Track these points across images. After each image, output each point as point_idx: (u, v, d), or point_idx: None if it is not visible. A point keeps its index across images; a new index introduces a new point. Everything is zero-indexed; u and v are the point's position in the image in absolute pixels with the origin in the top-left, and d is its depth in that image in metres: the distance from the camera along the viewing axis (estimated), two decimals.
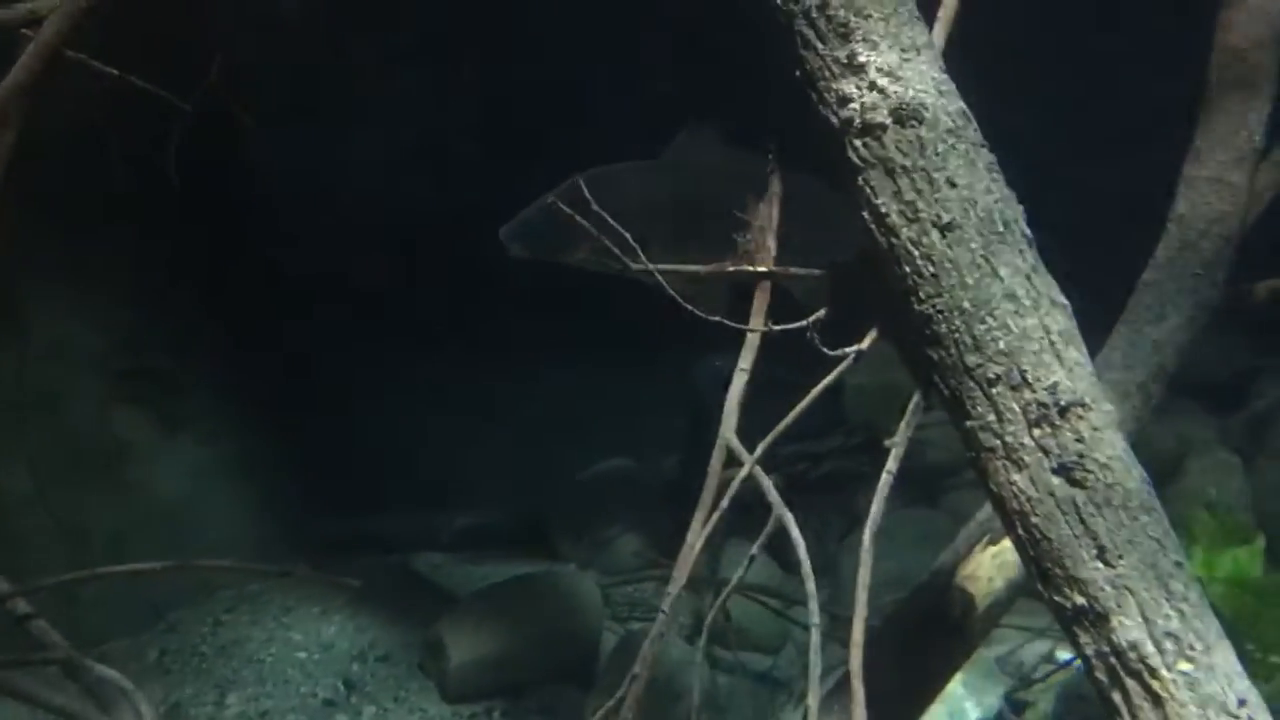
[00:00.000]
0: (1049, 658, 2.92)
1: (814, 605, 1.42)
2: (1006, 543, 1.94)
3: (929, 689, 1.96)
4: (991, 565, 1.93)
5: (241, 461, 4.11)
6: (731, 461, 1.62)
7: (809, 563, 1.48)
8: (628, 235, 1.56)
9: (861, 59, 1.49)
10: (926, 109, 1.48)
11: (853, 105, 1.49)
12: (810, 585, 1.45)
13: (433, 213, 4.21)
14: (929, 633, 1.93)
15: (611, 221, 1.61)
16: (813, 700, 1.38)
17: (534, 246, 2.81)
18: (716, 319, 1.51)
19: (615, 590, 4.00)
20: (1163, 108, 2.21)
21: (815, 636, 1.40)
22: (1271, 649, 2.33)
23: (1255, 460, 3.37)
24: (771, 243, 1.66)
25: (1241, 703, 1.28)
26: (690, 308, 1.54)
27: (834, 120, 1.51)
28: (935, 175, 1.47)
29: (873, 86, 1.49)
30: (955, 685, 2.65)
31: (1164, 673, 1.29)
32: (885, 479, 1.50)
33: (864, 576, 1.43)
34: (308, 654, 3.70)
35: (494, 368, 4.33)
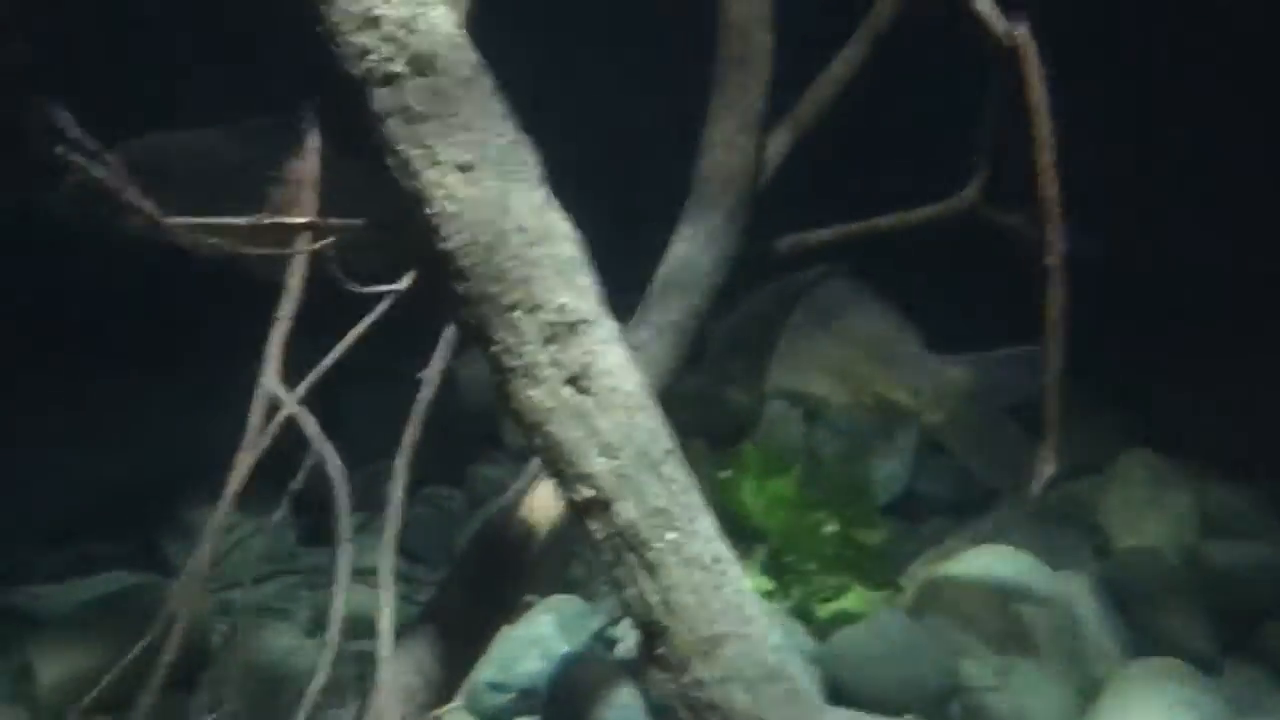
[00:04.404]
0: None
1: (346, 530, 1.50)
2: None
3: (499, 617, 2.10)
4: (552, 494, 2.08)
5: None
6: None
7: (346, 498, 1.56)
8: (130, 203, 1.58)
9: (377, 13, 1.59)
10: (440, 59, 1.61)
11: (371, 57, 1.60)
12: (345, 521, 1.53)
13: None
14: (496, 564, 2.06)
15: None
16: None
17: (84, 211, 2.69)
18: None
19: (241, 596, 3.87)
20: None
21: (344, 558, 1.49)
22: (804, 557, 2.67)
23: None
24: (311, 195, 1.73)
25: (716, 560, 1.49)
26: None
27: (355, 72, 1.61)
28: (451, 121, 1.60)
29: (389, 39, 1.60)
30: (547, 627, 2.81)
31: (655, 544, 1.48)
32: (420, 404, 1.61)
33: (396, 492, 1.53)
34: None
35: (84, 388, 4.08)
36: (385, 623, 1.46)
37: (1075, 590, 2.81)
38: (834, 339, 2.57)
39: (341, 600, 1.49)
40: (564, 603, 2.93)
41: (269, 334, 1.69)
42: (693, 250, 2.31)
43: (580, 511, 1.54)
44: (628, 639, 3.01)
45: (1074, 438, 2.71)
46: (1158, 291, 3.57)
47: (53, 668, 3.26)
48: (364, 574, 3.68)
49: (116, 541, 4.11)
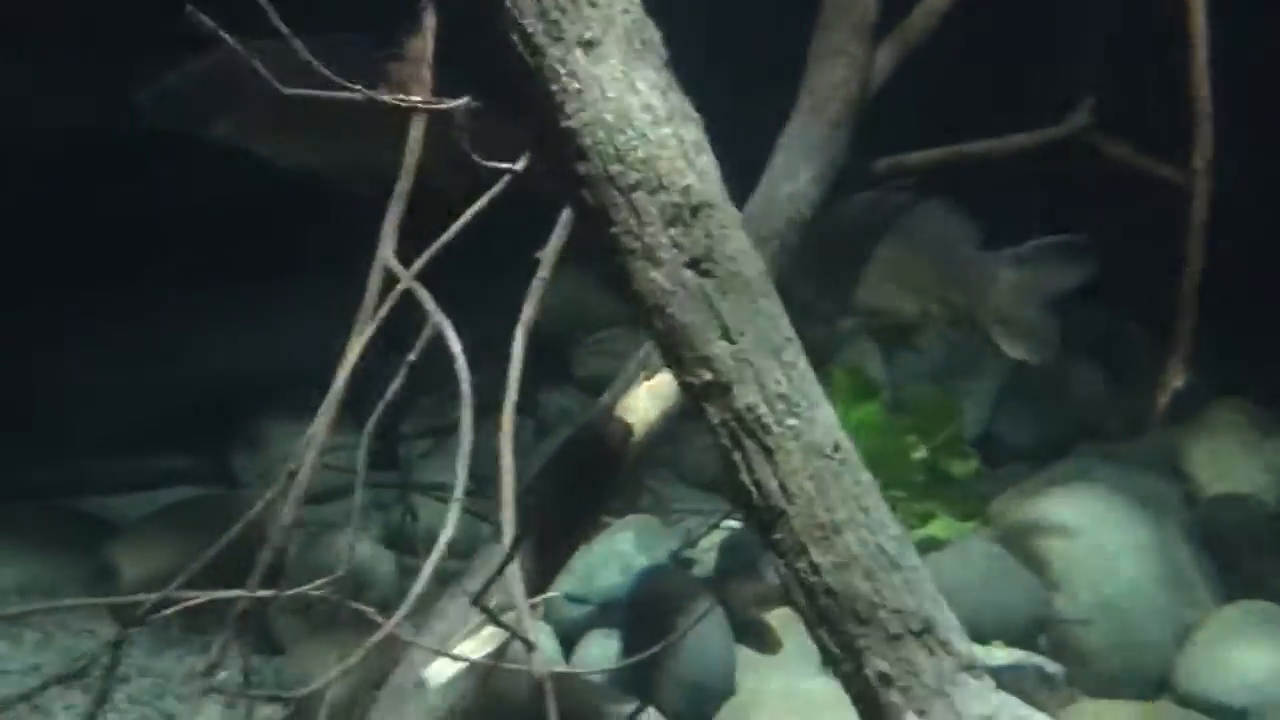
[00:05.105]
0: (715, 526, 3.14)
1: (467, 415, 1.48)
2: (661, 375, 2.09)
3: (590, 519, 2.09)
4: (648, 397, 2.07)
5: None
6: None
7: (467, 375, 1.54)
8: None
9: None
10: None
11: None
12: (465, 391, 1.52)
13: (77, 139, 3.94)
14: (590, 465, 2.05)
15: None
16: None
17: (172, 115, 2.70)
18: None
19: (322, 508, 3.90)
20: None
21: (465, 427, 1.47)
22: (892, 484, 2.63)
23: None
24: (427, 73, 1.71)
25: (836, 448, 1.46)
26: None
27: None
28: None
29: None
30: (625, 544, 2.81)
31: (775, 428, 1.45)
32: (536, 285, 1.59)
33: (515, 365, 1.51)
34: None
35: (154, 302, 4.11)
36: (507, 491, 1.44)
37: (1167, 532, 2.77)
38: (906, 251, 2.60)
39: (465, 467, 1.48)
40: (642, 521, 2.94)
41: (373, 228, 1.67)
42: (797, 159, 2.27)
43: (698, 395, 1.51)
44: (704, 561, 3.01)
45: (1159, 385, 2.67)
46: (1258, 232, 3.47)
47: (134, 567, 3.32)
48: (435, 489, 3.71)
49: (184, 455, 4.16)
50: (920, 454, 2.66)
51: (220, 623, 2.34)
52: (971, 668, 1.36)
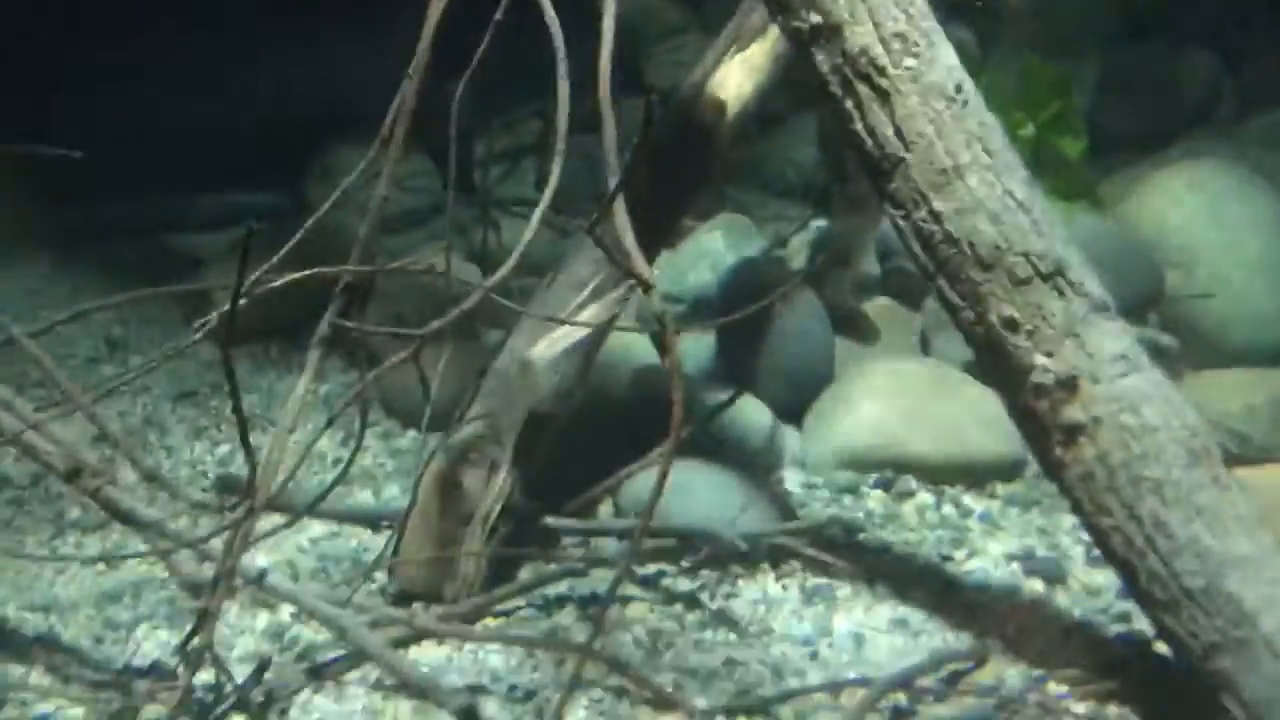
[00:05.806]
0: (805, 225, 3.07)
1: (563, 70, 1.39)
2: (754, 48, 1.96)
3: (684, 199, 2.01)
4: (740, 72, 1.95)
5: None
6: None
7: (561, 41, 1.45)
8: None
9: None
10: None
11: None
12: (560, 53, 1.42)
13: None
14: (683, 142, 1.96)
15: None
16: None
17: None
18: None
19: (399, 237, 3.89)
20: None
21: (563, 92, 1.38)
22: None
23: None
24: None
25: (958, 89, 1.35)
26: None
27: None
28: None
29: None
30: (715, 241, 2.76)
31: (890, 70, 1.34)
32: None
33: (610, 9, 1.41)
34: (62, 327, 3.51)
35: (218, 39, 3.99)
36: (609, 133, 1.37)
37: None
38: None
39: (565, 120, 1.40)
40: (730, 220, 2.87)
41: None
42: None
43: (806, 41, 1.40)
44: (796, 258, 2.95)
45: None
46: None
47: (226, 293, 3.37)
48: (509, 204, 3.66)
49: (261, 190, 4.15)
50: (1027, 132, 2.51)
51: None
52: (1105, 309, 1.29)
